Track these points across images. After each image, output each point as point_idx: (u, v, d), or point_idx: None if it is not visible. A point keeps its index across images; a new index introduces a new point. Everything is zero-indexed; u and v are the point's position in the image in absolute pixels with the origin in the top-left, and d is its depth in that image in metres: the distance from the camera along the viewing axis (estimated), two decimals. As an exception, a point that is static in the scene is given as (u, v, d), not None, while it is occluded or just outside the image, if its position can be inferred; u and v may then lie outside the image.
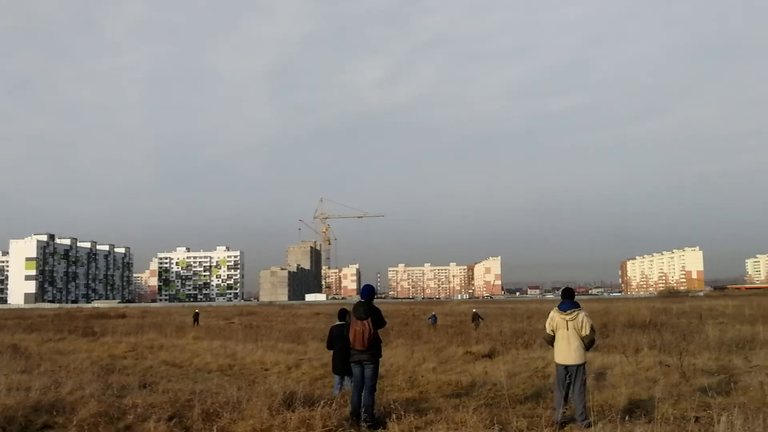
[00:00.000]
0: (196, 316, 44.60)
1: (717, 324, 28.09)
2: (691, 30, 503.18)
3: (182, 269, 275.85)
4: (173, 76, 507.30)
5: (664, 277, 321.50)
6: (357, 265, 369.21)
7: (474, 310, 38.80)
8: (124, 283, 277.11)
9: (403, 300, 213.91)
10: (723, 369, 14.39)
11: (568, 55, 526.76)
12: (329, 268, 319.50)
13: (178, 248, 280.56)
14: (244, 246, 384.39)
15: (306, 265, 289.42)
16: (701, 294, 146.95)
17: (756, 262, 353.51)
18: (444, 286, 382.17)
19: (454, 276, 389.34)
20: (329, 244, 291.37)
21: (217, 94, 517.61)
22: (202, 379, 15.52)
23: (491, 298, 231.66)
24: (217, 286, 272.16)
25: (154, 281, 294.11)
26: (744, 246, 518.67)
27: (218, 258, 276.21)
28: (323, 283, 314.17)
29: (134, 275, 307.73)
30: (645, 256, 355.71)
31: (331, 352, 12.24)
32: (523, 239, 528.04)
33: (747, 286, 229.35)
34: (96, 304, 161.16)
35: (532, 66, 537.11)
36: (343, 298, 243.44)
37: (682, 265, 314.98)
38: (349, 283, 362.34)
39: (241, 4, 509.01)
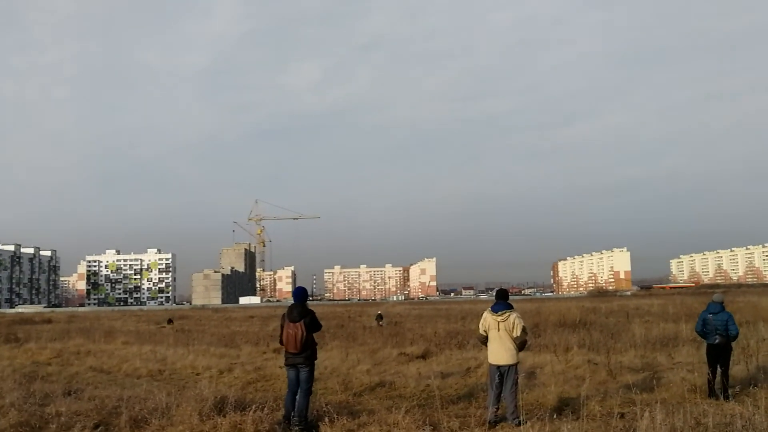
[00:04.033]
0: (170, 321, 48.38)
1: (643, 322, 28.95)
2: (616, 37, 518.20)
3: (112, 272, 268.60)
4: (103, 74, 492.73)
5: (593, 277, 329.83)
6: (292, 267, 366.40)
7: (379, 312, 43.81)
8: (51, 287, 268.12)
9: (339, 302, 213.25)
10: (648, 366, 14.83)
11: (500, 59, 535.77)
12: (264, 270, 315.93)
13: (107, 251, 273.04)
14: (176, 248, 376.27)
15: (240, 267, 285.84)
16: (628, 293, 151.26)
17: (679, 262, 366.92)
18: (380, 287, 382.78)
19: (389, 277, 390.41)
20: (264, 246, 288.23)
21: (149, 93, 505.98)
22: (130, 385, 15.08)
23: (426, 299, 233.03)
24: (148, 290, 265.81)
25: (82, 285, 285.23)
26: (668, 247, 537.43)
27: (149, 261, 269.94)
28: (258, 285, 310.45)
29: (61, 279, 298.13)
30: (575, 256, 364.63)
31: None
32: (457, 240, 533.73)
33: (671, 285, 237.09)
34: (20, 309, 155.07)
35: (466, 69, 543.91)
36: (278, 301, 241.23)
37: (611, 266, 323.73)
38: (284, 286, 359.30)
39: (177, 2, 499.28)
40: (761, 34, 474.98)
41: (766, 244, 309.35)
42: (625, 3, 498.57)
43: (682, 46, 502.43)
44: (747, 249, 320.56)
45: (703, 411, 8.43)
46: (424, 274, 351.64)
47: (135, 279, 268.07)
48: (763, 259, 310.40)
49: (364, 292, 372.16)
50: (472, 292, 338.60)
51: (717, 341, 11.27)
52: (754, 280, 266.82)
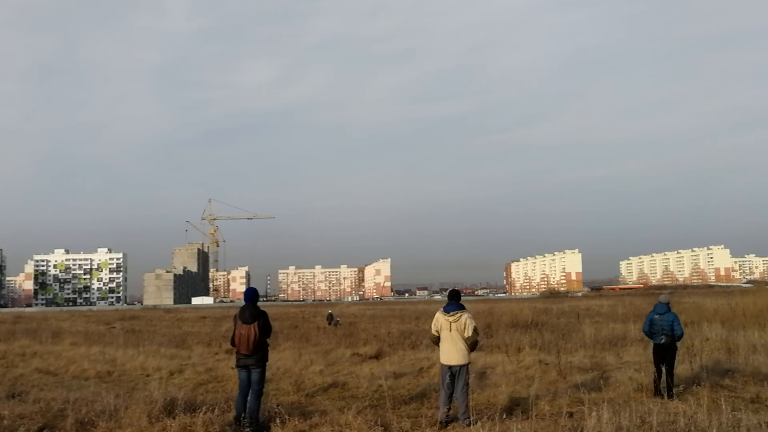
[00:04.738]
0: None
1: (593, 323, 29.48)
2: (573, 41, 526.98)
3: (60, 272, 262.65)
4: (52, 69, 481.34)
5: (545, 279, 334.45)
6: (246, 268, 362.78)
7: (330, 312, 42.72)
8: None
9: (294, 302, 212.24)
10: (597, 366, 15.12)
11: (455, 61, 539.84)
12: (217, 270, 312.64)
13: (56, 250, 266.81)
14: (127, 248, 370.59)
15: (193, 267, 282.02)
16: (580, 294, 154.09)
17: (629, 264, 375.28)
18: (335, 288, 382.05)
19: (344, 278, 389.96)
20: (217, 245, 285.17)
21: (99, 90, 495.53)
22: (77, 386, 14.79)
23: (381, 299, 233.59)
24: (98, 290, 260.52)
25: (29, 285, 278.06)
26: (618, 249, 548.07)
27: (99, 260, 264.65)
28: (211, 286, 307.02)
29: (7, 279, 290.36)
30: (528, 258, 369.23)
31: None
32: (412, 241, 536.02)
33: (620, 286, 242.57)
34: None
35: (422, 70, 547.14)
36: (231, 301, 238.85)
37: (563, 267, 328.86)
38: (238, 286, 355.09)
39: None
40: (716, 40, 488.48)
41: (710, 247, 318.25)
42: (583, 7, 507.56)
43: (639, 51, 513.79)
44: (693, 251, 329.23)
45: (648, 410, 8.62)
46: (378, 275, 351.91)
47: (84, 279, 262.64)
48: (708, 261, 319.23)
49: (319, 293, 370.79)
50: (426, 292, 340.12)
51: (663, 341, 11.55)
52: (699, 281, 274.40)
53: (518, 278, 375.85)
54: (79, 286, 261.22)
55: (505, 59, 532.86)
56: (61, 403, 10.43)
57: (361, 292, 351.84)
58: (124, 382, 16.09)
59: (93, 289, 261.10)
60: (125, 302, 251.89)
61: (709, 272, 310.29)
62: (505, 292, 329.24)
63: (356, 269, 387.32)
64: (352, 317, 48.91)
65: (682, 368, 12.77)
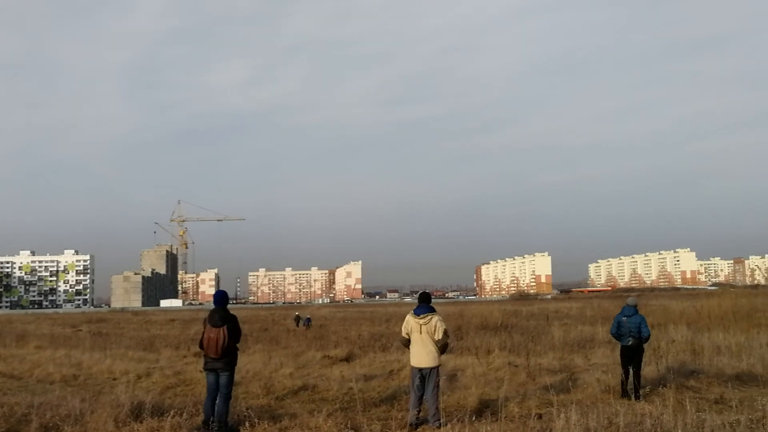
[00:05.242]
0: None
1: (562, 325, 29.75)
2: (540, 46, 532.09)
3: (26, 274, 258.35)
4: (19, 68, 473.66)
5: (515, 281, 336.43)
6: (216, 270, 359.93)
7: (296, 313, 43.48)
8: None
9: (264, 305, 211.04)
10: (565, 367, 15.25)
11: (426, 64, 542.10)
12: (186, 272, 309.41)
13: (21, 252, 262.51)
14: (94, 249, 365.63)
15: (161, 269, 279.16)
16: (549, 297, 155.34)
17: (597, 267, 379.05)
18: (305, 290, 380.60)
19: (315, 280, 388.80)
20: (186, 247, 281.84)
21: (67, 90, 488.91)
22: (42, 391, 14.52)
23: (352, 301, 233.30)
24: (64, 292, 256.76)
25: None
26: (587, 252, 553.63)
27: (66, 262, 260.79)
28: (180, 288, 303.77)
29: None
30: (498, 260, 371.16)
31: None
32: (383, 243, 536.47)
33: (589, 289, 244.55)
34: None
35: (393, 73, 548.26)
36: (200, 304, 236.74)
37: (532, 270, 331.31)
38: (207, 289, 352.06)
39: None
40: (676, 50, 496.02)
41: (677, 250, 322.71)
42: (549, 14, 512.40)
43: (603, 58, 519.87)
44: (659, 254, 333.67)
45: (615, 411, 8.72)
46: (349, 277, 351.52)
47: (51, 281, 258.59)
48: (674, 265, 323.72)
49: (289, 295, 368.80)
50: (396, 295, 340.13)
51: (630, 343, 11.69)
52: (666, 284, 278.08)
53: (488, 281, 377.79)
54: (44, 289, 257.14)
55: (475, 63, 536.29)
56: (25, 408, 10.24)
57: (332, 295, 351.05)
58: (91, 385, 15.84)
59: (59, 291, 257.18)
60: (92, 305, 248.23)
61: (676, 275, 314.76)
62: (475, 295, 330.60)
63: (327, 271, 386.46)
64: (322, 320, 48.80)
65: (648, 370, 12.93)
